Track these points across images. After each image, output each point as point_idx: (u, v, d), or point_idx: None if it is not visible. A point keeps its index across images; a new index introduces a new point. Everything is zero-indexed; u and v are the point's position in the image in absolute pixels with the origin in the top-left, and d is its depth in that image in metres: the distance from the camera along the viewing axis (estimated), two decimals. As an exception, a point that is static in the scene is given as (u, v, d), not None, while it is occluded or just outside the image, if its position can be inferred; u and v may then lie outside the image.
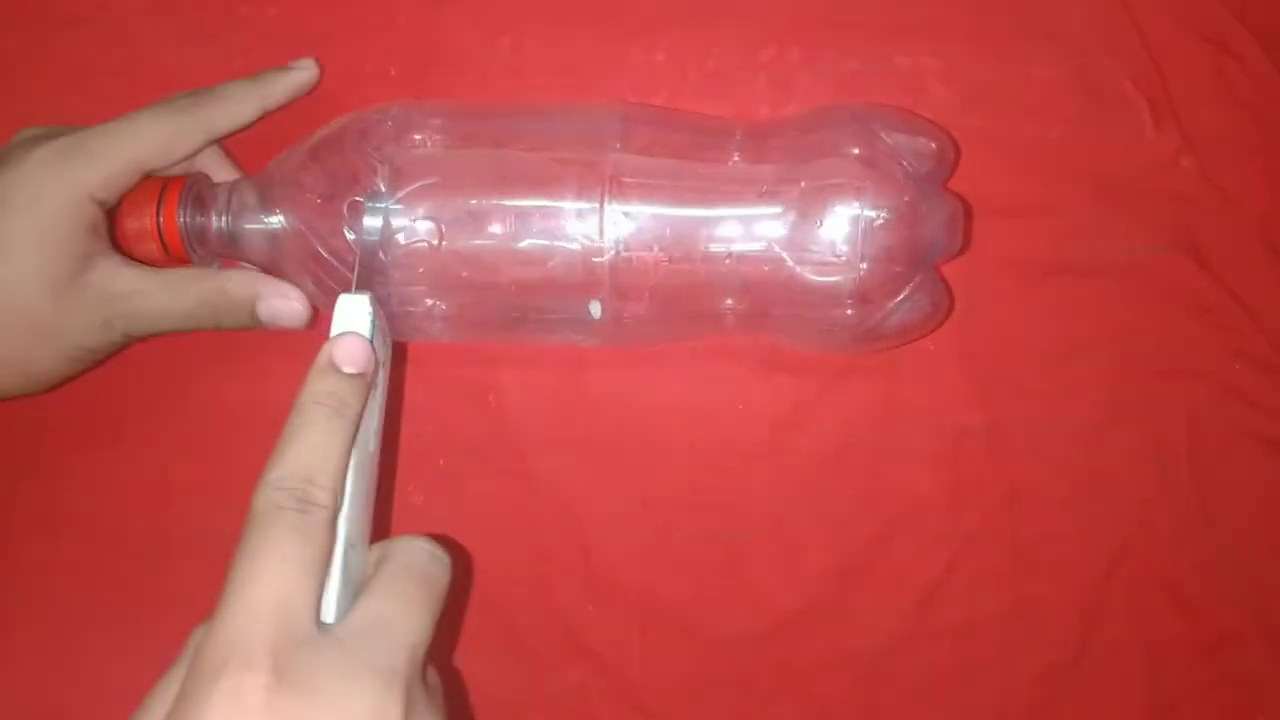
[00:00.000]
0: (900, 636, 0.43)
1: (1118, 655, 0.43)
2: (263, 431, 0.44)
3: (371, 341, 0.33)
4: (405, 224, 0.38)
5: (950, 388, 0.44)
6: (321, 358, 0.32)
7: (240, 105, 0.41)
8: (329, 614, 0.29)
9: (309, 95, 0.42)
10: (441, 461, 0.44)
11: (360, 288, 0.35)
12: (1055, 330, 0.44)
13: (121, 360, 0.44)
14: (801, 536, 0.44)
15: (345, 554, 0.30)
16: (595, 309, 0.39)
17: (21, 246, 0.37)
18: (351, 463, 0.31)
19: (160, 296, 0.39)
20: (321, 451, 0.30)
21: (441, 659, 0.43)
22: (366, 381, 0.32)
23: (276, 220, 0.38)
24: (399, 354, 0.43)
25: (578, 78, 0.45)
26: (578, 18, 0.45)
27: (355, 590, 0.30)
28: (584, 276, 0.38)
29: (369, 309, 0.33)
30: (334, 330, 0.33)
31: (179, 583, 0.43)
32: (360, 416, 0.31)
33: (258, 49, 0.45)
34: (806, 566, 0.44)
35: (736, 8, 0.45)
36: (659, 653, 0.43)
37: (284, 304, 0.40)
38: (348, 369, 0.32)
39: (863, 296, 0.38)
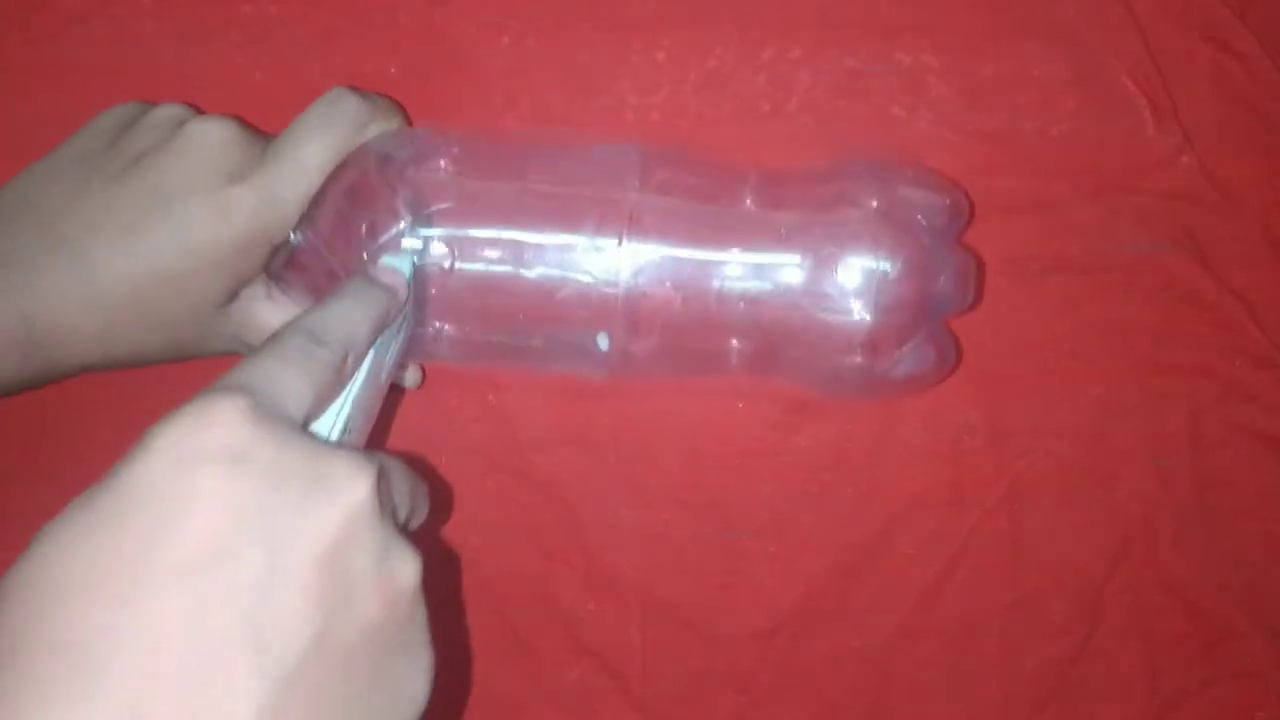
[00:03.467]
0: (901, 634, 0.43)
1: (1118, 652, 0.43)
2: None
3: (408, 283, 0.35)
4: (420, 245, 0.38)
5: (950, 385, 0.44)
6: (356, 273, 0.34)
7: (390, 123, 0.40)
8: None
9: (312, 97, 0.42)
10: (443, 459, 0.44)
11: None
12: (1055, 327, 0.44)
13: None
14: (802, 535, 0.44)
15: (345, 429, 0.30)
16: (603, 341, 0.39)
17: (196, 276, 0.37)
18: (367, 364, 0.32)
19: None
20: (341, 316, 0.30)
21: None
22: (395, 295, 0.34)
23: (294, 237, 0.38)
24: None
25: (578, 76, 0.45)
26: (578, 16, 0.45)
27: None
28: (596, 313, 0.38)
29: (410, 264, 0.36)
30: None
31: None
32: (383, 317, 0.33)
33: (259, 47, 0.45)
34: (807, 564, 0.44)
35: (736, 7, 0.45)
36: (660, 650, 0.43)
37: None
38: (379, 279, 0.34)
39: (871, 346, 0.38)
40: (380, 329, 0.33)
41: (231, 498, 0.23)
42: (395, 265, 0.36)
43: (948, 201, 0.39)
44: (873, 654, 0.43)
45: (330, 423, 0.30)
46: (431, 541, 0.44)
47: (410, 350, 0.40)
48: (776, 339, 0.39)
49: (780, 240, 0.39)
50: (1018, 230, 0.44)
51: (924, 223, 0.38)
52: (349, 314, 0.31)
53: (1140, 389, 0.44)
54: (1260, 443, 0.44)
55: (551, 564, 0.44)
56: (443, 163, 0.39)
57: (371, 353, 0.32)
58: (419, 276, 0.38)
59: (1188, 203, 0.44)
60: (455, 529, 0.44)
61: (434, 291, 0.39)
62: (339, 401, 0.30)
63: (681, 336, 0.39)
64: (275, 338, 0.28)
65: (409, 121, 0.42)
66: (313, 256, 0.38)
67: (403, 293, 0.34)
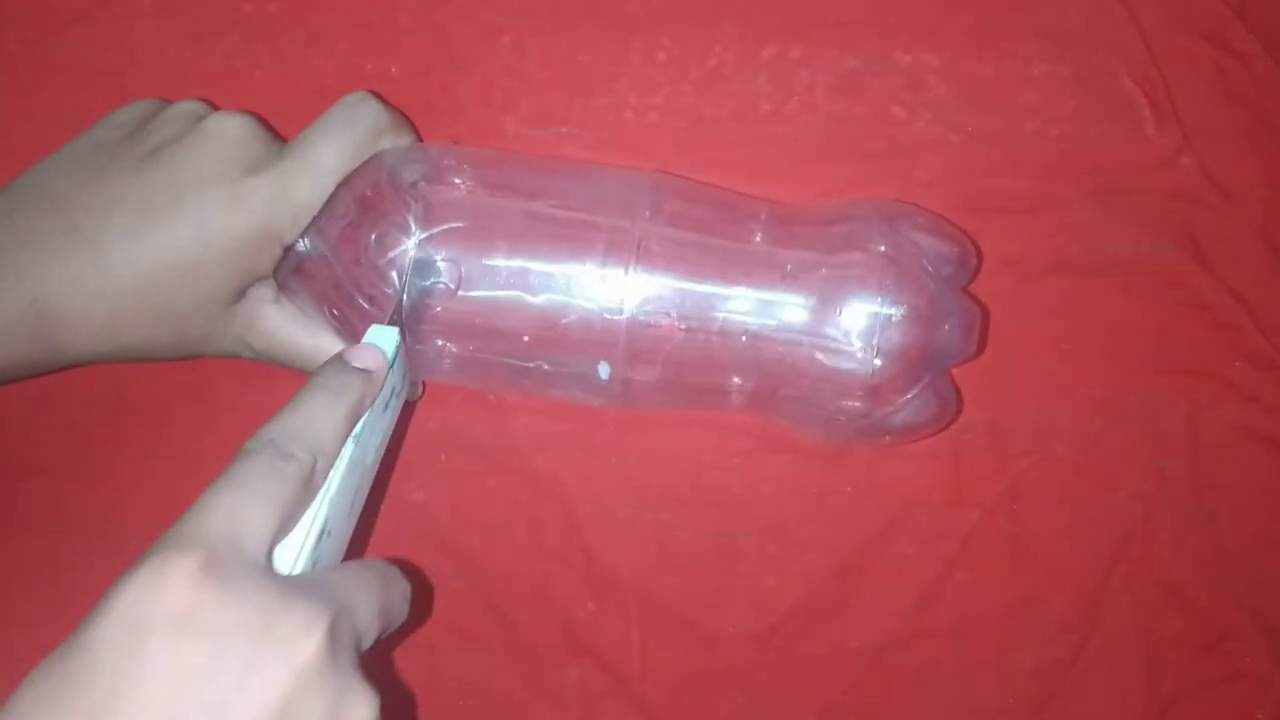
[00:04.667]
0: (900, 634, 0.43)
1: (1117, 653, 0.43)
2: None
3: (391, 364, 0.35)
4: (428, 264, 0.38)
5: (950, 386, 0.44)
6: (334, 355, 0.34)
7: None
8: (286, 570, 0.30)
9: (312, 97, 0.42)
10: (443, 458, 0.44)
11: (392, 324, 0.37)
12: (1055, 328, 0.44)
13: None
14: (801, 535, 0.44)
15: (320, 534, 0.31)
16: (604, 370, 0.39)
17: (206, 267, 0.37)
18: (347, 455, 0.32)
19: (292, 358, 0.40)
20: (309, 420, 0.31)
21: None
22: (372, 381, 0.34)
23: (303, 244, 0.38)
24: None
25: (578, 76, 0.45)
26: (578, 16, 0.45)
27: None
28: (599, 339, 0.38)
29: (395, 338, 0.35)
30: None
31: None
32: (359, 406, 0.33)
33: (259, 47, 0.45)
34: (806, 565, 0.44)
35: (737, 6, 0.45)
36: (659, 650, 0.43)
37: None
38: (355, 364, 0.34)
39: (873, 391, 0.38)
40: (356, 418, 0.33)
41: (178, 666, 0.24)
42: (377, 342, 0.35)
43: (955, 250, 0.40)
44: (872, 654, 0.43)
45: (304, 531, 0.30)
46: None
47: (412, 367, 0.40)
48: (777, 378, 0.39)
49: (786, 279, 0.38)
50: (1017, 231, 0.44)
51: (931, 270, 0.38)
52: (317, 417, 0.31)
53: (1140, 390, 0.44)
54: (1260, 443, 0.44)
55: (551, 564, 0.44)
56: (455, 180, 0.39)
57: (351, 442, 0.32)
58: (422, 298, 0.38)
59: (1188, 203, 0.44)
60: (455, 529, 0.44)
61: (439, 309, 0.39)
62: (314, 506, 0.31)
63: (682, 369, 0.39)
64: (240, 456, 0.29)
65: (419, 137, 0.42)
66: (320, 265, 0.38)
67: (381, 374, 0.34)
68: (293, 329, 0.40)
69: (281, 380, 0.44)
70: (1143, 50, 0.45)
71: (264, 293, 0.39)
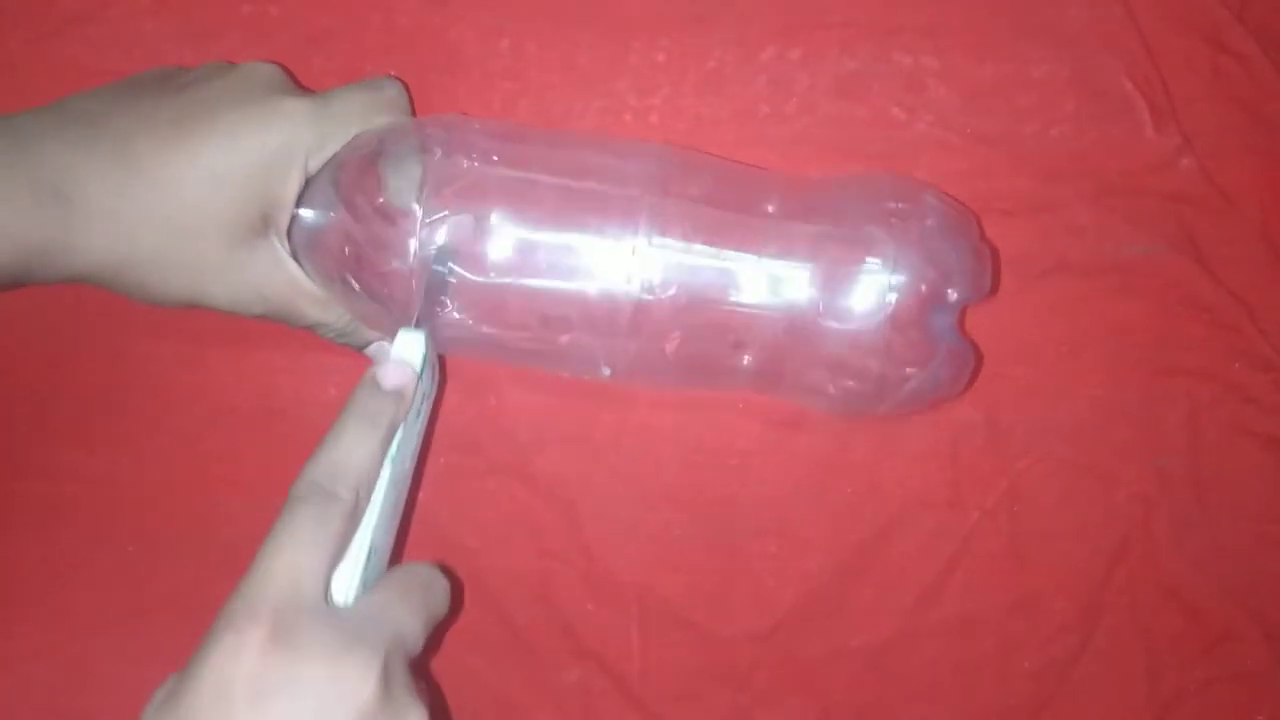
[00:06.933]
0: (900, 634, 0.43)
1: (1117, 653, 0.43)
2: (264, 431, 0.45)
3: (420, 373, 0.36)
4: (439, 236, 0.38)
5: (950, 386, 0.44)
6: (367, 376, 0.36)
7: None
8: (341, 598, 0.32)
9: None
10: (443, 459, 0.44)
11: (420, 324, 0.38)
12: (1054, 329, 0.44)
13: (122, 359, 0.44)
14: (801, 534, 0.44)
15: (368, 556, 0.33)
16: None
17: (234, 183, 0.37)
18: (385, 476, 0.34)
19: (314, 308, 0.40)
20: (350, 454, 0.33)
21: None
22: (404, 400, 0.35)
23: (308, 211, 0.39)
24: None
25: (577, 78, 0.45)
26: (578, 18, 0.45)
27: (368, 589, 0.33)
28: (606, 312, 0.38)
29: (423, 345, 0.36)
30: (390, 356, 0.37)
31: (179, 583, 0.43)
32: (393, 429, 0.35)
33: (259, 48, 0.45)
34: (806, 564, 0.44)
35: (736, 8, 0.45)
36: (659, 650, 0.43)
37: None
38: (386, 386, 0.35)
39: (885, 363, 0.38)
40: (390, 441, 0.34)
41: None
42: (404, 352, 0.36)
43: (960, 215, 0.40)
44: (872, 654, 0.43)
45: (354, 559, 0.33)
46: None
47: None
48: (787, 349, 0.39)
49: (798, 250, 0.38)
50: (1018, 232, 0.44)
51: (940, 240, 0.38)
52: (355, 450, 0.33)
53: (1139, 390, 0.44)
54: (1259, 444, 0.44)
55: (551, 564, 0.44)
56: (466, 149, 0.39)
57: (388, 464, 0.34)
58: (440, 282, 0.38)
59: (1187, 204, 0.44)
60: (455, 529, 0.44)
61: (454, 288, 0.38)
62: (360, 533, 0.33)
63: (690, 343, 0.39)
64: (289, 503, 0.32)
65: None
66: (334, 224, 0.38)
67: (411, 390, 0.36)
68: (310, 288, 0.40)
69: (282, 380, 0.44)
70: (1142, 51, 0.45)
71: (282, 244, 0.39)
